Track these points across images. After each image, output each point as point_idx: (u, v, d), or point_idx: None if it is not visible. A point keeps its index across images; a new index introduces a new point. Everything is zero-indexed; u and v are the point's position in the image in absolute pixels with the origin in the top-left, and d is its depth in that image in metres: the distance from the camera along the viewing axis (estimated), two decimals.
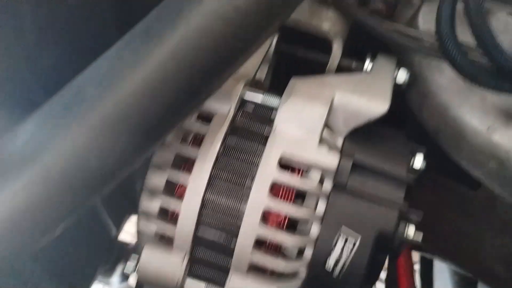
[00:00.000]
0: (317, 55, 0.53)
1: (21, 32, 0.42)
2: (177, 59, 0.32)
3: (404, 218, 0.43)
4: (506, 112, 0.47)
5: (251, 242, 0.40)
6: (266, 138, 0.42)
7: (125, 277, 0.96)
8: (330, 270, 0.42)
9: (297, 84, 0.45)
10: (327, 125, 0.44)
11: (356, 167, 0.42)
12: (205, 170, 0.40)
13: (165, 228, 0.42)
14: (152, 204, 0.43)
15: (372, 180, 0.42)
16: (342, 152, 0.43)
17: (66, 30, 0.47)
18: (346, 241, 0.41)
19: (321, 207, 0.42)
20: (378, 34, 0.49)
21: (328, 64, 0.52)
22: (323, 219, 0.41)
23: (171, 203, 0.42)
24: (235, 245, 0.40)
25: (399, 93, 0.53)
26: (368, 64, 0.51)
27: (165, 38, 0.32)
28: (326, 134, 0.43)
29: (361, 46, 0.53)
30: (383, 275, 0.56)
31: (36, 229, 0.33)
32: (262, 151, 0.41)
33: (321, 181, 0.42)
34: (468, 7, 0.40)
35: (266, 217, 0.42)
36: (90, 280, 0.68)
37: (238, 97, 0.44)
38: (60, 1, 0.45)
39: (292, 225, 0.43)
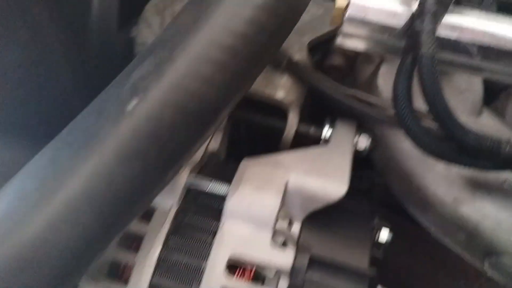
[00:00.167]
0: (274, 121, 0.49)
1: None
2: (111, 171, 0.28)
3: None
4: (473, 183, 0.45)
5: None
6: (214, 234, 0.39)
7: None
8: None
9: (248, 168, 0.42)
10: (282, 210, 0.41)
11: (314, 261, 0.39)
12: (143, 281, 0.36)
13: None
14: None
15: (332, 276, 0.39)
16: (298, 245, 0.39)
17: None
18: None
19: None
20: (335, 102, 0.46)
21: (284, 134, 0.48)
22: None
23: None
24: None
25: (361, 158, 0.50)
26: (326, 131, 0.48)
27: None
28: (280, 225, 0.40)
29: (320, 110, 0.50)
30: None
31: None
32: (208, 253, 0.37)
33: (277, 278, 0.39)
34: (423, 83, 0.36)
35: None
36: None
37: (182, 187, 0.40)
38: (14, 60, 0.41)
39: None
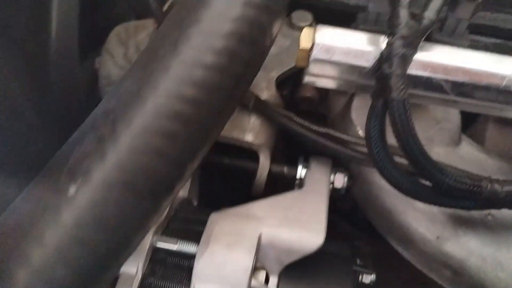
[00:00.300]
0: (245, 163, 0.47)
1: None
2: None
3: None
4: (455, 218, 0.43)
5: None
6: None
7: None
8: None
9: (217, 224, 0.39)
10: (257, 264, 0.38)
11: None
12: None
13: None
14: None
15: None
16: None
17: None
18: None
19: None
20: (308, 141, 0.43)
21: (257, 176, 0.45)
22: None
23: None
24: None
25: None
26: (300, 171, 0.45)
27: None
28: (255, 283, 0.37)
29: (295, 146, 0.48)
30: None
31: None
32: None
33: None
34: (396, 128, 0.34)
35: None
36: None
37: (147, 249, 0.37)
38: None
39: None
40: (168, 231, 0.40)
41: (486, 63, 0.37)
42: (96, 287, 0.26)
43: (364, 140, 0.39)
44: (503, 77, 0.37)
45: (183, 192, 0.46)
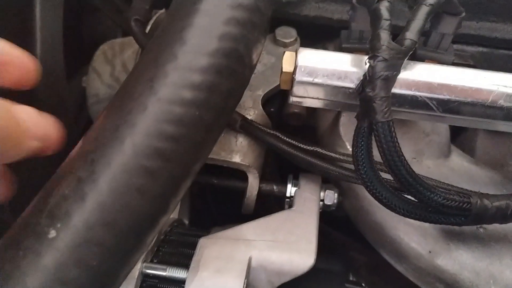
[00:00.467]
0: (235, 183, 0.46)
1: None
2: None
3: None
4: (447, 232, 0.42)
5: None
6: None
7: None
8: None
9: (206, 248, 0.39)
10: (248, 287, 0.38)
11: None
12: None
13: None
14: None
15: None
16: None
17: None
18: None
19: None
20: (296, 160, 0.43)
21: (246, 196, 0.45)
22: None
23: None
24: None
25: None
26: (290, 189, 0.45)
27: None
28: None
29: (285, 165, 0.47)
30: None
31: None
32: None
33: None
34: (382, 150, 0.34)
35: None
36: None
37: (137, 277, 0.37)
38: None
39: None
40: (158, 256, 0.40)
41: (471, 79, 0.36)
42: None
43: (351, 158, 0.39)
44: (489, 92, 0.36)
45: (173, 213, 0.45)
